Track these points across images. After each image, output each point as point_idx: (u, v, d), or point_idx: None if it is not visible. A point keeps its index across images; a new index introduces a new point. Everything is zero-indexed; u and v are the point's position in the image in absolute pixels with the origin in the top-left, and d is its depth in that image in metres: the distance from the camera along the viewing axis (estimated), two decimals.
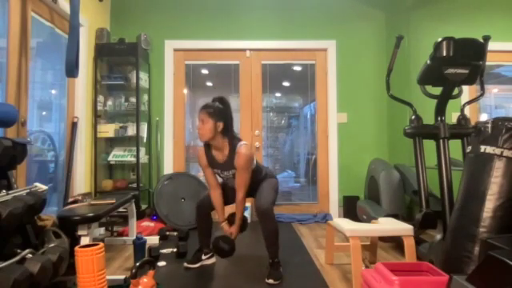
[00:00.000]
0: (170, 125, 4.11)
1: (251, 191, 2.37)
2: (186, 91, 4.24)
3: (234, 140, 2.26)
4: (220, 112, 2.21)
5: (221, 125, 2.20)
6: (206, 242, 2.52)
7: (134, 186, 3.72)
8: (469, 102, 2.50)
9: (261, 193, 2.27)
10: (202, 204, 2.46)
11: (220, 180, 2.45)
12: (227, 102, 2.29)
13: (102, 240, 3.07)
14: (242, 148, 2.20)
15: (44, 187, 1.90)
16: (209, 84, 4.44)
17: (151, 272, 1.76)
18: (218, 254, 2.33)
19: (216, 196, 2.39)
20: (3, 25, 2.39)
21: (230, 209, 2.44)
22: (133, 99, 3.82)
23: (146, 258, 2.18)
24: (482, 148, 1.71)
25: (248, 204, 3.86)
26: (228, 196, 2.45)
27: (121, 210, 2.87)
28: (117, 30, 4.05)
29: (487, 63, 2.43)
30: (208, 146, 2.33)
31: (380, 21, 4.22)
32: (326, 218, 4.02)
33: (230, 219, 2.42)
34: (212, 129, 2.19)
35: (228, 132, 2.25)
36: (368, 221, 3.03)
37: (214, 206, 2.41)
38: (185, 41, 4.16)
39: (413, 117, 2.39)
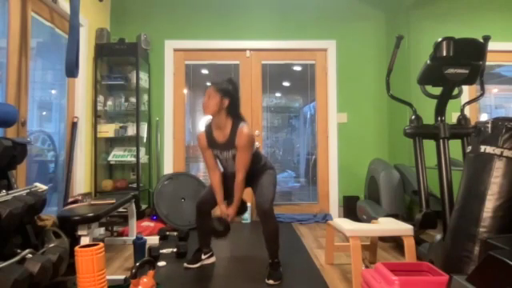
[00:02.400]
0: (170, 125, 4.11)
1: (249, 179, 2.33)
2: (185, 91, 4.24)
3: (237, 121, 2.26)
4: (227, 90, 2.24)
5: (226, 102, 2.22)
6: (206, 241, 2.52)
7: (134, 186, 3.72)
8: (469, 102, 2.50)
9: (261, 190, 2.26)
10: (202, 202, 2.44)
11: (221, 169, 2.43)
12: (235, 84, 2.32)
13: (102, 240, 3.07)
14: (244, 128, 2.21)
15: (44, 187, 1.90)
16: (209, 84, 4.42)
17: (151, 272, 1.76)
18: (213, 234, 2.31)
19: (215, 177, 2.37)
20: (3, 25, 2.39)
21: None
22: (133, 99, 3.82)
23: (145, 257, 2.18)
24: (482, 148, 1.71)
25: (248, 204, 3.86)
26: (228, 188, 2.38)
27: (121, 209, 2.88)
28: (117, 30, 4.05)
29: (487, 63, 2.42)
30: (209, 128, 2.33)
31: (380, 21, 4.22)
32: (326, 218, 4.02)
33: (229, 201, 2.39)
34: (217, 104, 2.21)
35: (233, 112, 2.26)
36: (368, 221, 3.03)
37: (213, 187, 2.37)
38: (185, 41, 4.16)
39: (413, 117, 2.39)
